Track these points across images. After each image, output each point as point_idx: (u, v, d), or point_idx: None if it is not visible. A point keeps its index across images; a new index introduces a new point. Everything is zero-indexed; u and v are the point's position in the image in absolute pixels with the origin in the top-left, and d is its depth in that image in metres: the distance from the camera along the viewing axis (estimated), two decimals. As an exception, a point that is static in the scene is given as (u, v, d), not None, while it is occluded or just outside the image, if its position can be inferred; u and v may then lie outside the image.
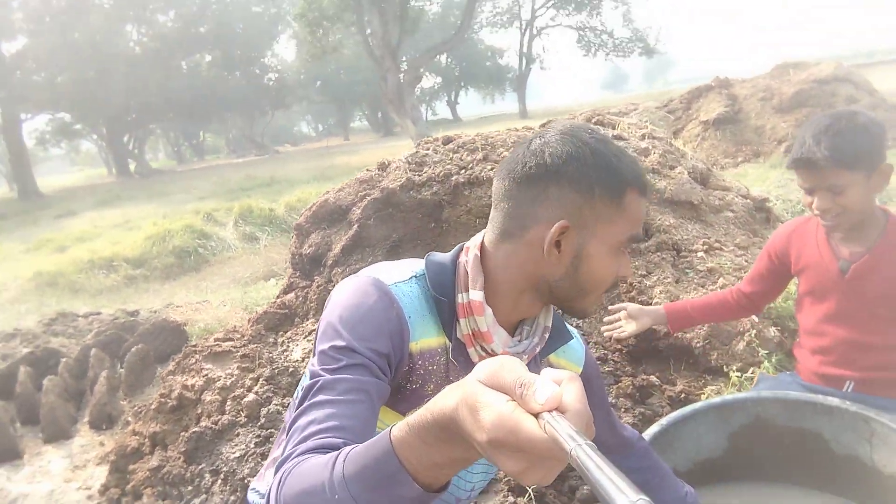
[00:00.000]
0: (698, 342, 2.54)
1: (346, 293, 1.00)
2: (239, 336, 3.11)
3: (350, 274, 3.33)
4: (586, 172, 0.97)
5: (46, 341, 4.71)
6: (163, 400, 2.75)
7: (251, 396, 2.48)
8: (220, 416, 2.43)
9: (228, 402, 2.49)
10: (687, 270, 2.89)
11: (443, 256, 1.09)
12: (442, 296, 1.03)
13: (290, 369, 2.76)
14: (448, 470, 0.68)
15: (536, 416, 0.56)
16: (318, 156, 26.27)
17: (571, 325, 1.33)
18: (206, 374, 2.69)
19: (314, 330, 3.22)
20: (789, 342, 2.57)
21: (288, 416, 1.24)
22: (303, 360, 2.88)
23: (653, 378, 2.48)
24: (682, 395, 2.37)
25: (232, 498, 2.13)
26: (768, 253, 1.86)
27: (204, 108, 34.57)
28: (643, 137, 3.65)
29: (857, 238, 1.67)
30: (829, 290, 1.71)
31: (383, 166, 3.86)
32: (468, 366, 1.05)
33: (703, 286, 2.78)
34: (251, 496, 1.23)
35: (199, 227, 9.03)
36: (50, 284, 7.68)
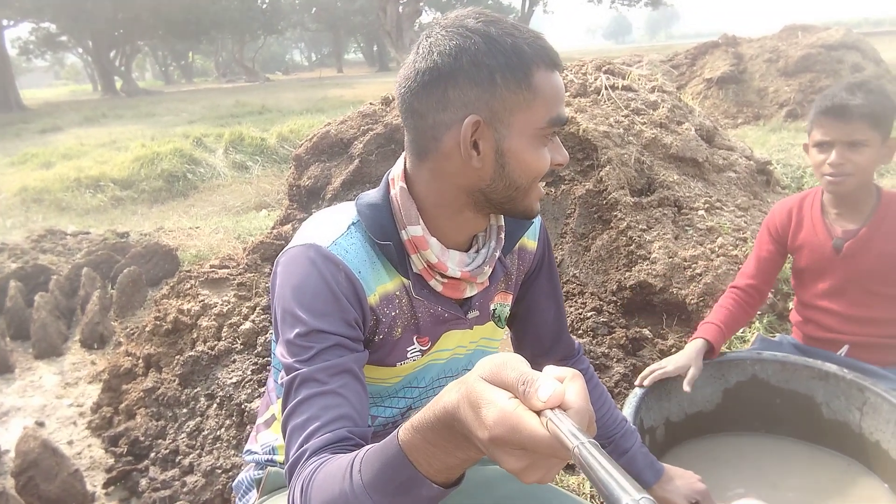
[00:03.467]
0: (692, 299, 2.58)
1: (289, 271, 0.95)
2: (234, 264, 3.10)
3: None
4: (482, 61, 0.89)
5: (35, 257, 4.66)
6: (158, 322, 2.76)
7: (248, 325, 2.50)
8: (216, 342, 2.45)
9: (225, 329, 2.50)
10: (687, 228, 2.91)
11: (374, 195, 1.03)
12: (385, 240, 0.99)
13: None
14: (457, 469, 0.68)
15: (539, 413, 0.55)
16: (310, 86, 25.67)
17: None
18: (203, 300, 2.69)
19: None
20: (781, 304, 2.63)
21: (271, 381, 1.21)
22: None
23: (645, 331, 2.53)
24: (673, 349, 2.42)
25: (227, 422, 2.17)
26: (768, 228, 1.86)
27: (194, 27, 33.29)
28: (653, 90, 3.60)
29: (851, 215, 1.70)
30: (824, 267, 1.75)
31: (387, 101, 3.79)
32: (433, 298, 1.04)
33: (701, 244, 2.80)
34: (248, 457, 1.22)
35: (189, 151, 8.86)
36: (35, 200, 7.55)
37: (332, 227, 1.01)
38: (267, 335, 2.48)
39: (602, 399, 1.34)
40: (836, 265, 1.72)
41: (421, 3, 27.94)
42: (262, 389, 2.21)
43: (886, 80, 8.07)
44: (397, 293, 1.03)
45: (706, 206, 3.01)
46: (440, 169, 0.96)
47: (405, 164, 1.03)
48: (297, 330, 0.91)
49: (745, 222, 2.97)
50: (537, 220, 1.20)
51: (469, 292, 1.08)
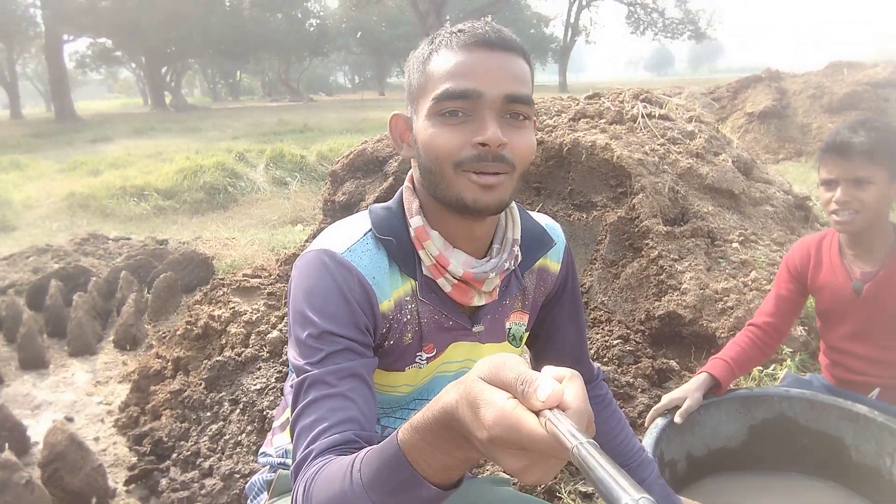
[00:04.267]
0: (723, 332, 2.52)
1: (303, 274, 0.97)
2: (266, 274, 3.15)
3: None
4: (414, 56, 1.00)
5: (77, 259, 4.82)
6: (188, 327, 2.82)
7: (275, 333, 2.53)
8: (243, 349, 2.48)
9: (253, 336, 2.54)
10: (720, 260, 2.86)
11: (389, 202, 1.07)
12: (389, 236, 1.00)
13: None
14: (456, 470, 0.68)
15: (538, 413, 0.55)
16: (352, 107, 26.16)
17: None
18: (233, 308, 2.74)
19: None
20: (814, 342, 2.55)
21: (287, 385, 1.22)
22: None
23: (672, 363, 2.49)
24: (701, 382, 2.37)
25: (249, 427, 2.20)
26: (787, 267, 1.83)
27: (242, 48, 34.45)
28: (690, 120, 3.58)
29: (868, 256, 1.67)
30: (845, 309, 1.71)
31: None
32: (439, 301, 1.03)
33: (734, 276, 2.75)
34: (262, 459, 1.23)
35: (231, 165, 9.10)
36: (82, 206, 7.82)
37: (348, 234, 1.03)
38: (293, 345, 2.51)
39: (620, 426, 1.31)
40: (857, 307, 1.68)
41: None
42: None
43: (936, 122, 7.88)
44: (407, 297, 1.03)
45: (741, 238, 2.96)
46: (413, 160, 1.04)
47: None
48: (308, 331, 0.92)
49: (780, 256, 2.91)
50: (561, 243, 1.20)
51: (477, 300, 1.06)
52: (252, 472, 2.07)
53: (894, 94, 7.92)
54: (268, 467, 1.23)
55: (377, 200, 3.45)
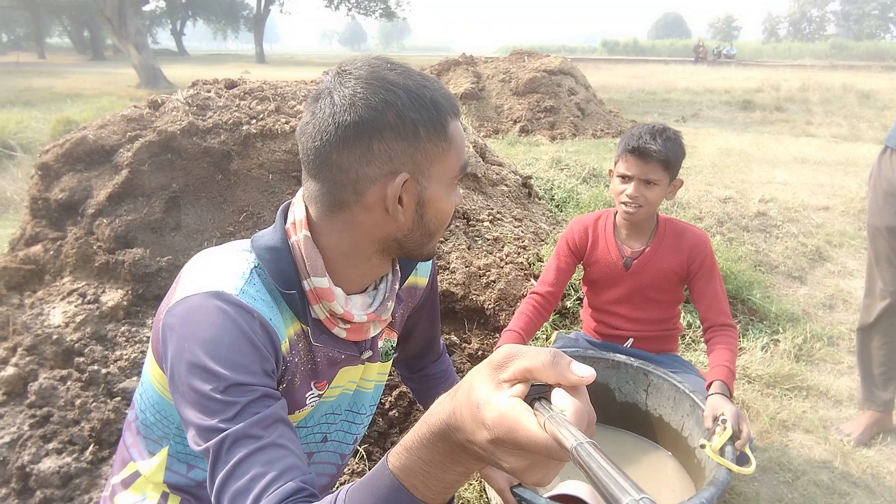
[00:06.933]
0: (490, 304, 2.81)
1: (194, 322, 0.87)
2: (-29, 297, 2.53)
3: (121, 226, 2.92)
4: (407, 116, 0.89)
5: None
6: None
7: (10, 370, 2.07)
8: (-32, 398, 1.98)
9: (-22, 380, 2.04)
10: (476, 238, 3.15)
11: (271, 239, 0.98)
12: (289, 289, 0.95)
13: (54, 337, 2.36)
14: (454, 487, 0.66)
15: (536, 414, 0.55)
16: (5, 73, 21.64)
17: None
18: (-65, 346, 2.15)
19: (75, 290, 2.77)
20: (560, 304, 3.00)
21: (129, 436, 1.09)
22: (66, 326, 2.47)
23: (452, 337, 2.69)
24: (480, 352, 2.62)
25: (3, 490, 1.77)
26: (567, 242, 2.12)
27: None
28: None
29: (637, 237, 2.05)
30: (615, 280, 2.07)
31: (155, 105, 3.41)
32: (333, 342, 1.03)
33: (490, 252, 3.06)
34: None
35: None
36: None
37: (232, 272, 0.93)
38: (39, 381, 2.08)
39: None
40: (624, 278, 2.04)
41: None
42: (49, 447, 1.85)
43: (594, 103, 9.61)
44: (297, 338, 0.99)
45: (490, 217, 3.29)
46: (356, 221, 0.95)
47: (306, 212, 0.98)
48: (212, 385, 0.82)
49: (522, 232, 3.32)
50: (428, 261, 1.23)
51: (373, 331, 1.08)
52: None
53: (565, 81, 9.44)
54: None
55: (111, 197, 2.98)
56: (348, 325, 1.02)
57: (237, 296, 0.89)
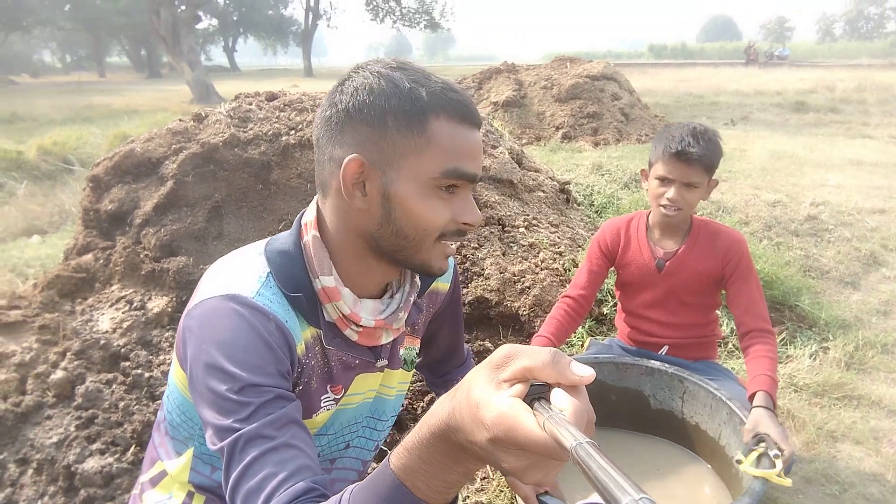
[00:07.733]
0: (524, 310, 2.79)
1: (211, 324, 0.89)
2: (27, 304, 2.66)
3: (166, 235, 3.02)
4: (377, 103, 0.89)
5: None
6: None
7: (60, 373, 2.16)
8: (21, 397, 2.08)
9: (30, 381, 2.13)
10: (511, 244, 3.14)
11: (284, 242, 1.00)
12: (297, 292, 0.96)
13: (102, 342, 2.45)
14: (456, 487, 0.66)
15: (535, 413, 0.55)
16: (68, 92, 22.74)
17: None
18: (-8, 350, 2.26)
19: (123, 297, 2.88)
20: (596, 310, 2.96)
21: (157, 435, 1.12)
22: (113, 332, 2.57)
23: (486, 343, 2.68)
24: (514, 359, 2.60)
25: (51, 488, 1.85)
26: (599, 245, 2.09)
27: None
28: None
29: (671, 237, 2.00)
30: (647, 282, 2.03)
31: (199, 118, 3.53)
32: (347, 346, 1.04)
33: (526, 258, 3.05)
34: None
35: (-81, 166, 7.34)
36: None
37: (248, 276, 0.95)
38: (86, 384, 2.17)
39: None
40: (657, 281, 2.00)
41: (199, 11, 26.29)
42: (93, 447, 1.92)
43: (639, 108, 9.47)
44: (313, 341, 1.01)
45: (525, 223, 3.28)
46: (337, 205, 0.97)
47: (317, 207, 1.01)
48: (228, 386, 0.84)
49: (559, 238, 3.30)
50: (451, 261, 1.22)
51: (385, 339, 1.09)
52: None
53: (608, 86, 9.33)
54: None
55: (157, 207, 3.10)
56: (360, 329, 1.03)
57: (253, 298, 0.91)
